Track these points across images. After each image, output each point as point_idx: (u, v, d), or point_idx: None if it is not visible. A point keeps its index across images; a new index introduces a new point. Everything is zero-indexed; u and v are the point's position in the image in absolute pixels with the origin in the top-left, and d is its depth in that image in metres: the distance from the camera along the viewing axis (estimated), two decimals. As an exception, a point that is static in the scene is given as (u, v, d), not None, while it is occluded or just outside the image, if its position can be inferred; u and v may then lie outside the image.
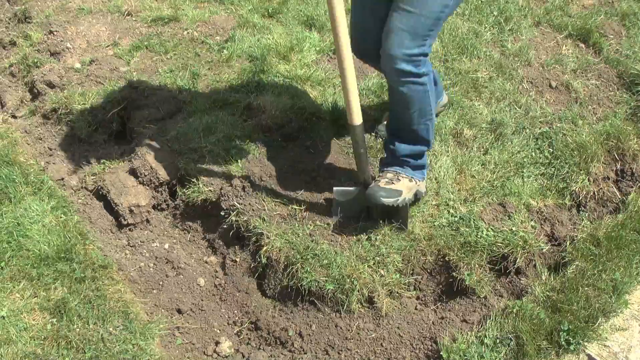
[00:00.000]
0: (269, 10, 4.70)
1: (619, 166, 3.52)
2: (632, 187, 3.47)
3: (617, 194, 3.46)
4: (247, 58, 4.21)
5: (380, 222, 3.21)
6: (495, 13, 4.61)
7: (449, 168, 3.49)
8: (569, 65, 4.17)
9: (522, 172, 3.50)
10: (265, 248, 3.10)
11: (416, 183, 3.22)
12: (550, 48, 4.33)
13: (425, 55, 2.89)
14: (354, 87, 2.88)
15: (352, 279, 2.97)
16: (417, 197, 3.27)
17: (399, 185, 3.12)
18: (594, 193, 3.44)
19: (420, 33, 2.81)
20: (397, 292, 3.03)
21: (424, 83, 2.95)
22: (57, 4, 4.88)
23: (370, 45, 3.06)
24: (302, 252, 3.04)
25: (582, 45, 4.36)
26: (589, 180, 3.44)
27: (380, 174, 3.23)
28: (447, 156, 3.55)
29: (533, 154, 3.61)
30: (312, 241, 3.09)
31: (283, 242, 3.09)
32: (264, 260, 3.11)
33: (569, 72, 4.12)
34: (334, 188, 3.29)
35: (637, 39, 4.34)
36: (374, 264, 3.04)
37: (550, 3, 4.72)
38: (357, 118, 2.96)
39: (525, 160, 3.57)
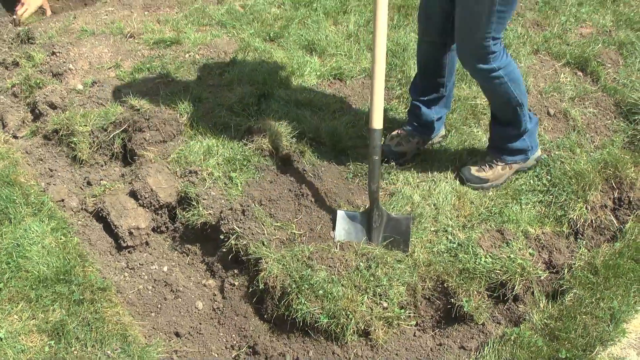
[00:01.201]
0: (270, 35, 4.74)
1: (616, 194, 3.54)
2: (629, 215, 3.48)
3: (615, 222, 3.48)
4: (248, 81, 4.24)
5: (381, 245, 3.24)
6: (494, 40, 4.66)
7: (447, 194, 3.51)
8: (567, 93, 4.20)
9: (520, 199, 3.52)
10: (262, 274, 3.10)
11: (510, 168, 3.61)
12: (549, 76, 4.37)
13: (492, 52, 3.13)
14: (381, 92, 3.09)
15: (348, 312, 2.95)
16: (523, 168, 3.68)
17: (488, 174, 3.57)
18: (591, 221, 3.45)
19: (478, 35, 3.07)
20: (397, 324, 3.03)
21: (499, 76, 3.22)
22: (60, 25, 4.93)
23: (431, 29, 3.43)
24: (298, 282, 3.03)
25: (580, 73, 4.40)
26: (586, 208, 3.46)
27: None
28: (446, 182, 3.58)
29: (531, 181, 3.63)
30: (309, 267, 3.08)
31: (280, 268, 3.08)
32: (261, 286, 3.11)
33: (567, 100, 4.16)
34: (338, 211, 3.34)
35: (634, 68, 4.38)
36: (373, 295, 3.03)
37: (549, 31, 4.77)
38: (378, 123, 3.13)
39: (523, 187, 3.59)
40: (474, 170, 3.60)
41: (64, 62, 4.45)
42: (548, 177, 3.63)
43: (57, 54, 4.50)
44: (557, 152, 3.75)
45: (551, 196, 3.53)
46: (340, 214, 3.36)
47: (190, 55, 4.57)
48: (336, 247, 3.21)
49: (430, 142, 3.84)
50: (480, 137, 3.89)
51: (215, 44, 4.68)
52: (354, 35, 4.71)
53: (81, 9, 5.38)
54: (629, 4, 5.04)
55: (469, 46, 3.17)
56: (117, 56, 4.58)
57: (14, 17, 5.15)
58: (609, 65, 4.45)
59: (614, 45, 4.61)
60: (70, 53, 4.54)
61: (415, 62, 3.70)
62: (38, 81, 4.28)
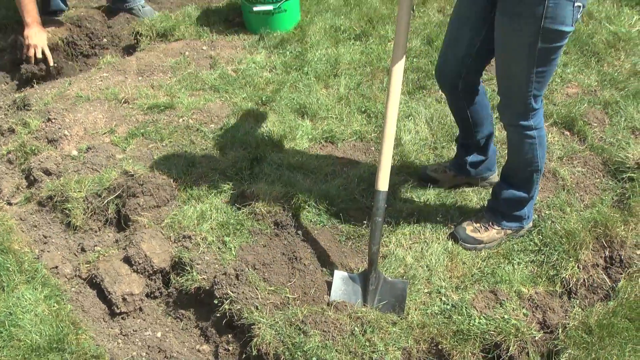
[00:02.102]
0: (263, 99, 4.82)
1: (607, 253, 3.56)
2: (621, 273, 3.50)
3: (607, 280, 3.49)
4: (241, 145, 4.30)
5: (376, 308, 3.25)
6: (482, 101, 4.75)
7: (440, 255, 3.53)
8: (555, 152, 4.27)
9: (513, 259, 3.54)
10: (255, 340, 3.08)
11: (504, 233, 3.65)
12: (537, 135, 4.44)
13: (533, 109, 3.20)
14: (389, 154, 3.15)
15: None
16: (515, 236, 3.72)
17: (483, 235, 3.61)
18: (584, 280, 3.46)
19: (520, 95, 3.14)
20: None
21: (532, 136, 3.29)
22: (55, 91, 5.01)
23: (445, 71, 3.51)
24: (291, 348, 3.01)
25: (568, 133, 4.48)
26: (578, 267, 3.47)
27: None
28: (438, 243, 3.60)
29: (523, 240, 3.66)
30: (303, 333, 3.07)
31: (273, 334, 3.07)
32: (254, 353, 3.09)
33: (556, 159, 4.22)
34: (336, 271, 3.38)
35: (619, 127, 4.46)
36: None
37: (536, 91, 4.86)
38: (383, 184, 3.19)
39: (515, 247, 3.62)
40: (469, 230, 3.63)
41: (59, 128, 4.50)
42: (539, 236, 3.66)
43: (53, 121, 4.56)
44: (547, 212, 3.80)
45: (543, 256, 3.55)
46: (338, 274, 3.38)
47: (183, 120, 4.63)
48: (330, 311, 3.21)
49: (478, 181, 4.02)
50: (472, 197, 3.93)
51: (208, 109, 4.75)
52: (345, 98, 4.80)
53: (76, 75, 5.47)
54: (612, 64, 5.15)
55: (512, 104, 3.24)
56: (111, 122, 4.64)
57: (29, 66, 5.32)
58: (595, 124, 4.53)
59: (599, 105, 4.70)
60: (66, 119, 4.60)
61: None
62: (33, 148, 4.32)
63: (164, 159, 4.19)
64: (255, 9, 5.65)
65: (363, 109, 4.68)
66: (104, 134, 4.52)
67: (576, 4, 2.82)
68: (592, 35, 5.43)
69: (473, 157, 3.89)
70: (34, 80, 5.37)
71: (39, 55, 5.30)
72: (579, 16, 2.90)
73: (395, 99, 3.13)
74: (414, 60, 5.23)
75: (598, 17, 5.70)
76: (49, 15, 5.86)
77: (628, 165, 4.06)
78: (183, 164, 4.13)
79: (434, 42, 5.42)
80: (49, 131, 4.47)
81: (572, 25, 2.89)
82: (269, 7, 5.63)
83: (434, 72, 3.65)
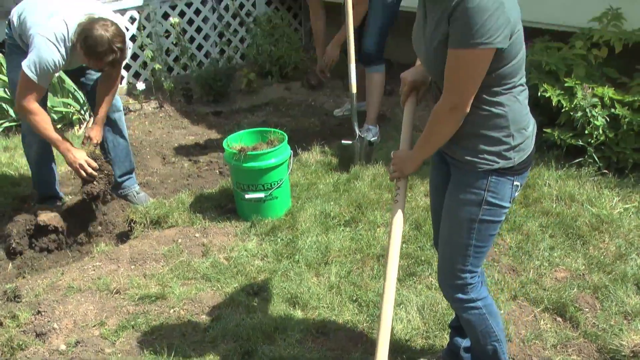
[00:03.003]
0: (254, 288, 4.84)
1: None
2: None
3: None
4: (232, 338, 4.26)
5: None
6: (472, 287, 4.77)
7: None
8: (549, 340, 4.23)
9: None
10: None
11: None
12: (529, 322, 4.43)
13: (469, 284, 3.26)
14: (386, 344, 3.17)
15: None
16: None
17: None
18: None
19: (456, 267, 3.23)
20: None
21: (478, 307, 3.32)
22: (47, 282, 5.02)
23: (436, 239, 3.64)
24: None
25: (560, 319, 4.46)
26: None
27: None
28: None
29: None
30: None
31: None
32: None
33: (550, 347, 4.18)
34: None
35: (611, 312, 4.45)
36: None
37: (525, 276, 4.91)
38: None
39: None
40: None
41: (49, 321, 4.47)
42: None
43: (42, 313, 4.53)
44: (546, 406, 3.71)
45: None
46: None
47: (175, 311, 4.62)
48: None
49: None
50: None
51: (199, 298, 4.75)
52: (336, 286, 4.82)
53: (70, 264, 5.50)
54: (597, 246, 5.23)
55: (447, 276, 3.32)
56: (102, 313, 4.62)
57: (87, 187, 5.59)
58: (587, 309, 4.52)
59: (589, 289, 4.71)
60: (56, 311, 4.58)
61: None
62: (21, 342, 4.26)
63: (153, 353, 4.13)
64: (247, 196, 5.82)
65: (354, 298, 4.68)
66: (94, 326, 4.49)
67: (515, 183, 3.06)
68: (576, 218, 5.57)
69: (467, 342, 3.84)
70: (26, 272, 5.41)
71: (89, 170, 5.46)
72: (515, 194, 3.11)
73: (390, 291, 3.16)
74: (403, 246, 5.31)
75: (580, 199, 5.86)
76: (46, 201, 6.03)
77: (624, 354, 4.02)
78: (173, 358, 4.07)
79: (422, 227, 5.53)
80: (37, 324, 4.44)
81: (509, 202, 3.10)
82: (261, 195, 5.80)
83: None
